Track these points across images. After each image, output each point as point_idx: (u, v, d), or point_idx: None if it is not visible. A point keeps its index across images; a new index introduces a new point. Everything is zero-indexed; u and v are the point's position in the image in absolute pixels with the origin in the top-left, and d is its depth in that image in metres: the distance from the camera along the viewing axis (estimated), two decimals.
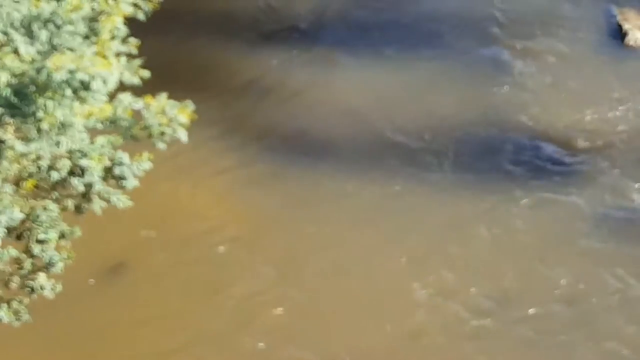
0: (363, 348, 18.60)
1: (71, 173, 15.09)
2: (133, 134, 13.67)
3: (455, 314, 19.07)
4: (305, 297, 19.36)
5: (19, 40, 13.44)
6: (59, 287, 15.86)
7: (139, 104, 13.61)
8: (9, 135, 13.94)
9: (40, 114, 12.72)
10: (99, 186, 15.15)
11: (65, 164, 14.97)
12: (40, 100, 12.67)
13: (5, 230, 14.53)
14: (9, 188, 14.92)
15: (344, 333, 18.79)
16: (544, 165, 21.76)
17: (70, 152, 14.79)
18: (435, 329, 18.90)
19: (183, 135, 13.59)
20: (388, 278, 19.69)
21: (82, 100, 12.74)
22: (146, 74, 13.48)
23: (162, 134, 13.58)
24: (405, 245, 20.20)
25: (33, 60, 13.32)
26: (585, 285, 19.59)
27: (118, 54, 13.84)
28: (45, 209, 15.56)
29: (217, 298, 19.32)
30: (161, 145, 13.76)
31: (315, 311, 19.12)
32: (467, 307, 19.15)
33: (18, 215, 14.58)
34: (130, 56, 13.86)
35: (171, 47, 23.70)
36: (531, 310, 19.16)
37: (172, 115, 13.50)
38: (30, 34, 13.53)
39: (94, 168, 14.91)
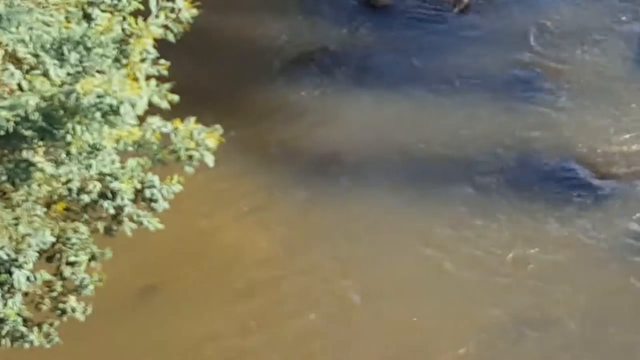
0: None
1: (101, 195, 15.09)
2: (160, 158, 13.60)
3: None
4: (340, 317, 19.36)
5: (49, 62, 13.46)
6: (90, 310, 15.84)
7: (167, 127, 13.54)
8: (38, 158, 13.94)
9: (69, 137, 12.67)
10: (129, 209, 15.14)
11: (95, 187, 14.97)
12: (69, 124, 12.62)
13: (37, 253, 14.53)
14: (39, 210, 14.95)
15: None
16: (576, 188, 21.61)
17: (101, 175, 14.79)
18: None
19: (210, 160, 13.48)
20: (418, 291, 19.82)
21: (111, 124, 12.67)
22: (175, 98, 13.43)
23: (190, 157, 13.51)
24: (435, 262, 20.25)
25: (63, 84, 13.34)
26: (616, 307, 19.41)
27: (148, 77, 13.83)
28: (75, 231, 15.58)
29: (251, 320, 19.22)
30: (189, 169, 13.69)
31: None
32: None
33: (49, 237, 14.59)
34: (160, 79, 13.85)
35: (200, 70, 23.76)
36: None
37: (199, 139, 13.44)
38: (60, 57, 13.54)
39: (125, 191, 14.91)
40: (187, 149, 13.33)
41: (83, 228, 15.61)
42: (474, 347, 18.91)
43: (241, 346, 18.83)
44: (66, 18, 14.24)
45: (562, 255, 20.21)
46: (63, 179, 14.86)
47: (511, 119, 23.17)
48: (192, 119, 13.61)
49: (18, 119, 12.79)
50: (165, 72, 14.10)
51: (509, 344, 18.78)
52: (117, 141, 13.21)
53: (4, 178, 13.81)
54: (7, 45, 13.63)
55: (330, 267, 20.24)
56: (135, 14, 13.99)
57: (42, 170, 13.79)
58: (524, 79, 24.14)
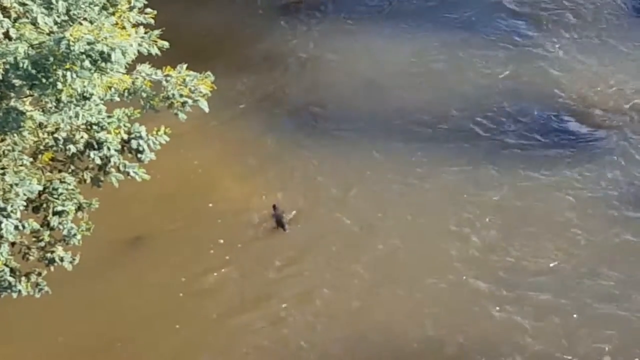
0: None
1: (88, 146, 15.07)
2: (153, 105, 13.63)
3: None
4: (312, 261, 19.52)
5: (37, 11, 13.43)
6: (78, 259, 15.87)
7: (158, 75, 13.58)
8: (27, 106, 13.92)
9: (59, 85, 12.65)
10: (115, 159, 15.12)
11: (82, 137, 14.95)
12: (59, 72, 12.60)
13: (24, 203, 14.51)
14: (26, 160, 14.92)
15: None
16: (566, 139, 21.72)
17: (88, 125, 14.77)
18: None
19: (204, 106, 13.57)
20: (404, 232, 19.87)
21: (102, 72, 12.67)
22: (165, 44, 13.46)
23: (183, 104, 13.55)
24: (424, 212, 20.26)
25: (51, 32, 13.31)
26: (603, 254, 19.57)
27: (136, 25, 13.83)
28: (62, 181, 15.55)
29: (236, 268, 19.36)
30: (182, 116, 13.74)
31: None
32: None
33: (36, 187, 14.56)
34: (147, 27, 13.86)
35: (187, 18, 23.72)
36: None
37: (192, 85, 13.47)
38: (47, 5, 13.51)
39: (111, 141, 14.90)
40: (181, 96, 13.42)
41: (70, 178, 15.58)
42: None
43: (224, 293, 18.95)
44: None
45: (551, 204, 20.34)
46: (50, 129, 14.86)
47: (502, 70, 23.27)
48: (184, 65, 13.69)
49: (7, 66, 12.78)
50: (152, 21, 14.14)
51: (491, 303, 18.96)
52: (108, 89, 13.22)
53: None
54: None
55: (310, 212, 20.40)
56: None
57: (31, 118, 13.78)
58: (515, 29, 24.30)
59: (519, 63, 23.48)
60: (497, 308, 18.56)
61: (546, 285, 18.91)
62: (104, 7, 13.89)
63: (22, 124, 13.56)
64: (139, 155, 15.30)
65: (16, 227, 14.39)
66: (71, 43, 12.37)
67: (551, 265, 19.32)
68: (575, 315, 18.43)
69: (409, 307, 18.63)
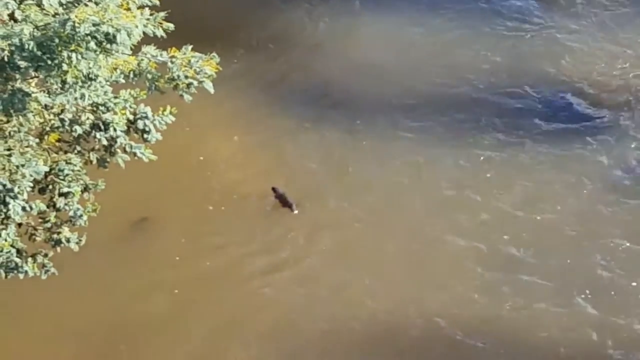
0: None
1: (94, 127, 15.09)
2: (158, 87, 13.65)
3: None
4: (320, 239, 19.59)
5: None
6: (84, 240, 15.91)
7: (163, 56, 13.60)
8: (32, 88, 13.95)
9: (64, 66, 12.68)
10: (122, 140, 15.15)
11: (88, 118, 14.97)
12: (65, 53, 12.63)
13: (31, 184, 14.55)
14: (32, 141, 14.95)
15: None
16: (570, 118, 21.72)
17: (94, 106, 14.80)
18: None
19: (210, 87, 13.59)
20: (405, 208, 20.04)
21: (107, 53, 12.70)
22: (171, 26, 13.47)
23: (189, 85, 13.57)
24: (428, 194, 20.36)
25: (56, 13, 13.34)
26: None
27: (141, 6, 13.83)
28: (68, 162, 15.59)
29: (243, 248, 19.43)
30: (187, 97, 13.75)
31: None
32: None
33: (42, 168, 14.60)
34: (153, 8, 13.87)
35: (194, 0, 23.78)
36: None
37: (197, 67, 13.49)
38: None
39: (117, 122, 14.91)
40: (186, 77, 13.44)
41: (75, 159, 15.63)
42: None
43: (232, 272, 19.04)
44: None
45: (553, 186, 20.40)
46: (56, 110, 14.90)
47: (507, 50, 23.28)
48: (189, 47, 13.71)
49: (13, 48, 12.82)
50: (157, 2, 14.14)
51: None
52: (114, 70, 13.25)
53: None
54: None
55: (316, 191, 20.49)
56: None
57: (36, 100, 13.82)
58: (518, 9, 24.29)
59: (523, 45, 23.47)
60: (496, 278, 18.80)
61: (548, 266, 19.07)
62: None
63: (27, 105, 13.60)
64: (145, 136, 15.32)
65: (23, 209, 14.44)
66: (76, 24, 12.41)
67: (554, 240, 19.50)
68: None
69: (415, 287, 18.74)
